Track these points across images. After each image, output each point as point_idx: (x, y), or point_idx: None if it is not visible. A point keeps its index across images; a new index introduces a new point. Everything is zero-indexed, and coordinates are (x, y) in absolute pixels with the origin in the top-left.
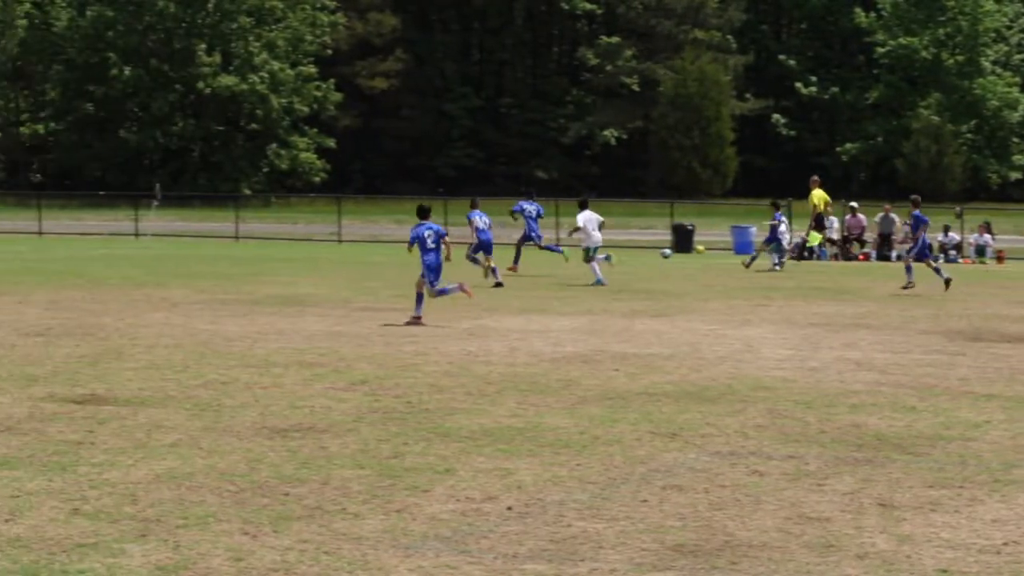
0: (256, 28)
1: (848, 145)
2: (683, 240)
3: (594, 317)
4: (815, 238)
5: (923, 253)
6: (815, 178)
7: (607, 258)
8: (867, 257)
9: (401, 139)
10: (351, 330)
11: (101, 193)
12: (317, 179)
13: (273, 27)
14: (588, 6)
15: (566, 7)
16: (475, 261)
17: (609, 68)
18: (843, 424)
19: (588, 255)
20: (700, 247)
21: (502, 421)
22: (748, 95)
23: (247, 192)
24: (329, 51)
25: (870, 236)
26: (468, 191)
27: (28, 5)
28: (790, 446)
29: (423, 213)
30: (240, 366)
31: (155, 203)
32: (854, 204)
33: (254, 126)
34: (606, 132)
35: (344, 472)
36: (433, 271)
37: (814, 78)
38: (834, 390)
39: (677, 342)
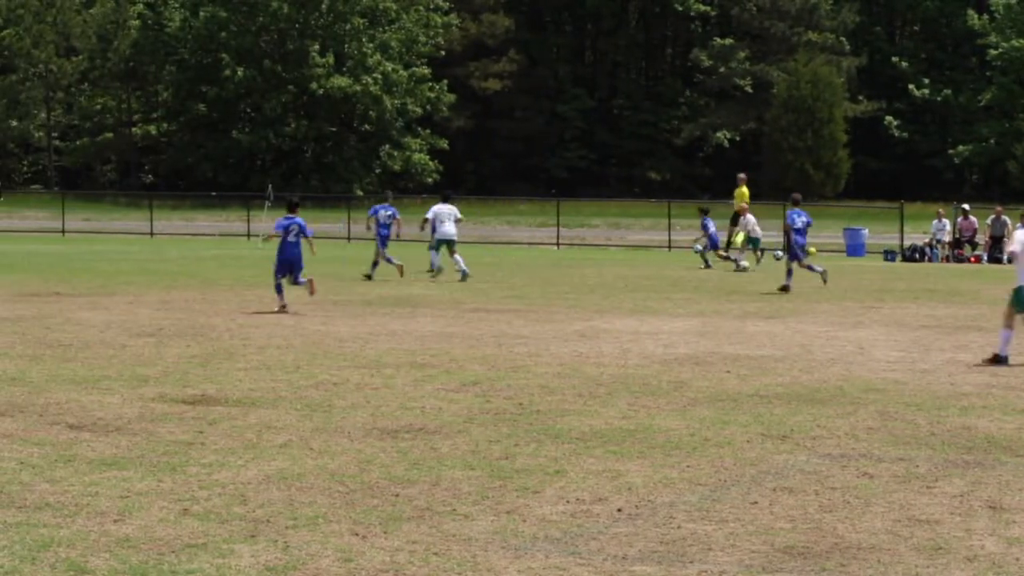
0: (369, 29)
1: (960, 147)
2: None
3: (706, 319)
4: (740, 236)
5: None
6: (742, 175)
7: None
8: (979, 259)
9: (514, 140)
10: (463, 331)
11: (213, 194)
12: (430, 180)
13: (386, 28)
14: (702, 8)
15: (680, 8)
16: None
17: (722, 70)
18: (953, 426)
19: (432, 245)
20: (812, 249)
21: (613, 423)
22: (861, 97)
23: (359, 193)
24: (442, 52)
25: (981, 238)
26: (582, 192)
27: (141, 6)
28: (900, 448)
29: (292, 207)
30: (351, 367)
31: (267, 204)
32: (966, 206)
33: (367, 127)
34: (719, 134)
35: (454, 473)
36: (289, 263)
37: (927, 80)
38: (944, 392)
39: (788, 344)
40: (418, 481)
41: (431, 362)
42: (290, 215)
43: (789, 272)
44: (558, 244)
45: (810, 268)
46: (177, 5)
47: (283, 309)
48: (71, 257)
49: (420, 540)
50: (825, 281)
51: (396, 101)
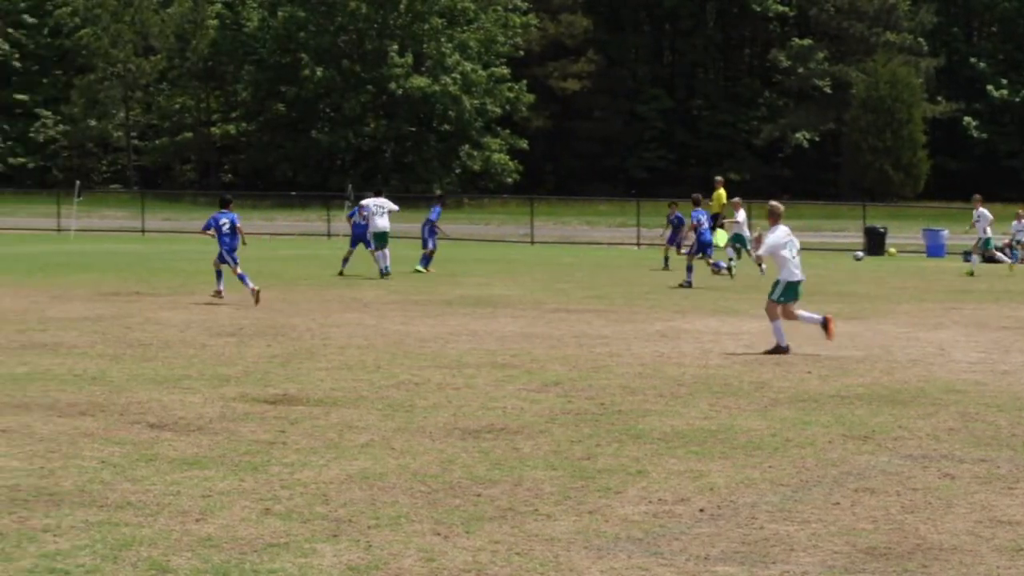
0: (448, 29)
1: None
2: (875, 242)
3: (786, 321)
4: (722, 236)
5: None
6: (719, 178)
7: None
8: None
9: (593, 140)
10: (544, 331)
11: (292, 193)
12: (509, 180)
13: (465, 28)
14: (780, 8)
15: (758, 9)
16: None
17: (801, 70)
18: None
19: (376, 242)
20: (892, 250)
21: (695, 423)
22: (939, 98)
23: (439, 193)
24: (521, 52)
25: None
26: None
27: (219, 6)
28: (981, 449)
29: (224, 203)
30: (432, 367)
31: (347, 203)
32: None
33: (446, 127)
34: (798, 134)
35: (536, 473)
36: (232, 253)
37: (1005, 81)
38: None
39: (869, 345)
40: (500, 481)
41: (512, 362)
42: (223, 210)
43: (690, 268)
44: (638, 244)
45: (715, 265)
46: (255, 5)
47: (219, 295)
48: (151, 256)
49: (502, 540)
50: (732, 275)
51: (475, 101)
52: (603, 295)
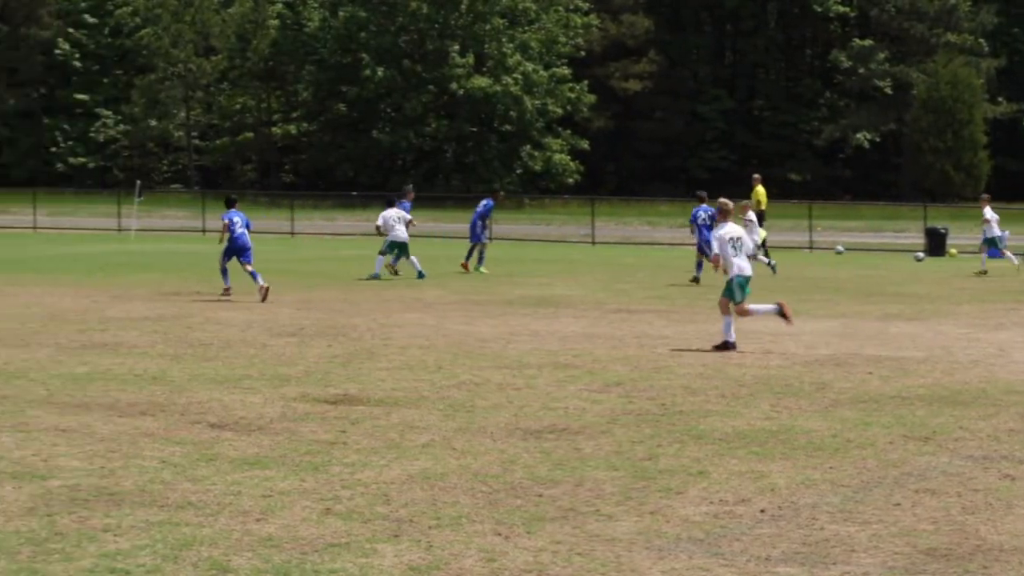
0: (509, 29)
1: None
2: (936, 243)
3: (847, 320)
4: (762, 234)
5: None
6: (757, 176)
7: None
8: None
9: (654, 141)
10: (605, 332)
11: (353, 193)
12: (571, 180)
13: (526, 28)
14: (841, 9)
15: (819, 9)
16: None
17: (862, 71)
18: None
19: (388, 251)
20: (953, 250)
21: (755, 423)
22: (1000, 98)
23: (501, 193)
24: (582, 52)
25: None
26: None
27: (280, 6)
28: None
29: (230, 203)
30: (493, 367)
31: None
32: None
33: (507, 127)
34: (859, 135)
35: (598, 473)
36: (243, 251)
37: None
38: None
39: (930, 345)
40: (561, 481)
41: (574, 362)
42: (231, 209)
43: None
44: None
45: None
46: (316, 5)
47: (227, 292)
48: (211, 256)
49: (563, 540)
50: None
51: (536, 101)
52: (664, 295)
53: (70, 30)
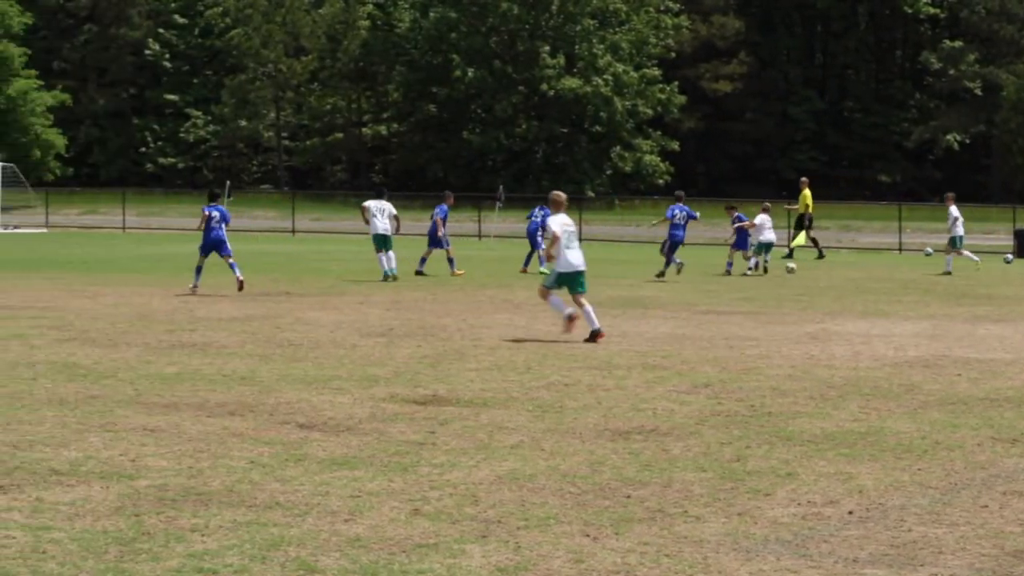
0: (600, 30)
1: None
2: None
3: (936, 322)
4: (801, 238)
5: None
6: (805, 179)
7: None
8: None
9: (744, 142)
10: (694, 333)
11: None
12: (661, 181)
13: (617, 29)
14: (931, 10)
15: (909, 11)
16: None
17: (952, 72)
18: None
19: (378, 245)
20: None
21: (844, 425)
22: None
23: (590, 194)
24: (673, 54)
25: None
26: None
27: (370, 6)
28: None
29: (213, 197)
30: (583, 368)
31: (498, 205)
32: None
33: (597, 128)
34: (949, 136)
35: (686, 475)
36: (219, 244)
37: None
38: None
39: (1019, 347)
40: (649, 483)
41: (662, 363)
42: (212, 203)
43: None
44: (789, 246)
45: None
46: (407, 6)
47: (194, 291)
48: (301, 257)
49: (651, 542)
50: (678, 271)
51: (627, 102)
52: (753, 297)
53: (160, 30)
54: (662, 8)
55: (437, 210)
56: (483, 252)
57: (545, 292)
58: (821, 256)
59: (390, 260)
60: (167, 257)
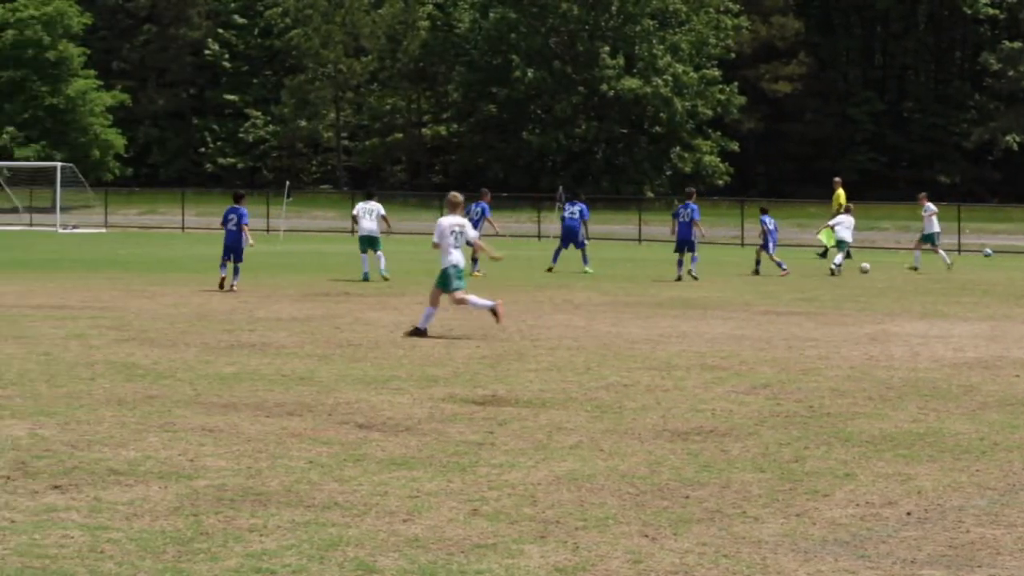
0: (659, 31)
1: None
2: None
3: (995, 323)
4: (830, 237)
5: None
6: (838, 179)
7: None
8: None
9: (804, 142)
10: (753, 333)
11: (503, 194)
12: (720, 182)
13: (676, 30)
14: (991, 11)
15: (968, 12)
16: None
17: (1011, 73)
18: None
19: (364, 246)
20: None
21: (903, 426)
22: None
23: (650, 195)
24: (732, 54)
25: None
26: (871, 195)
27: (430, 6)
28: None
29: (237, 198)
30: (642, 368)
31: (558, 205)
32: None
33: (657, 129)
34: (1008, 137)
35: (744, 475)
36: (229, 249)
37: None
38: None
39: None
40: (708, 483)
41: (721, 364)
42: (234, 205)
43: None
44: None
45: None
46: (467, 6)
47: (223, 284)
48: (360, 257)
49: (710, 542)
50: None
51: (686, 103)
52: (812, 297)
53: (220, 31)
54: (722, 9)
55: (479, 207)
56: (543, 252)
57: (458, 298)
58: (823, 256)
59: (379, 260)
60: None
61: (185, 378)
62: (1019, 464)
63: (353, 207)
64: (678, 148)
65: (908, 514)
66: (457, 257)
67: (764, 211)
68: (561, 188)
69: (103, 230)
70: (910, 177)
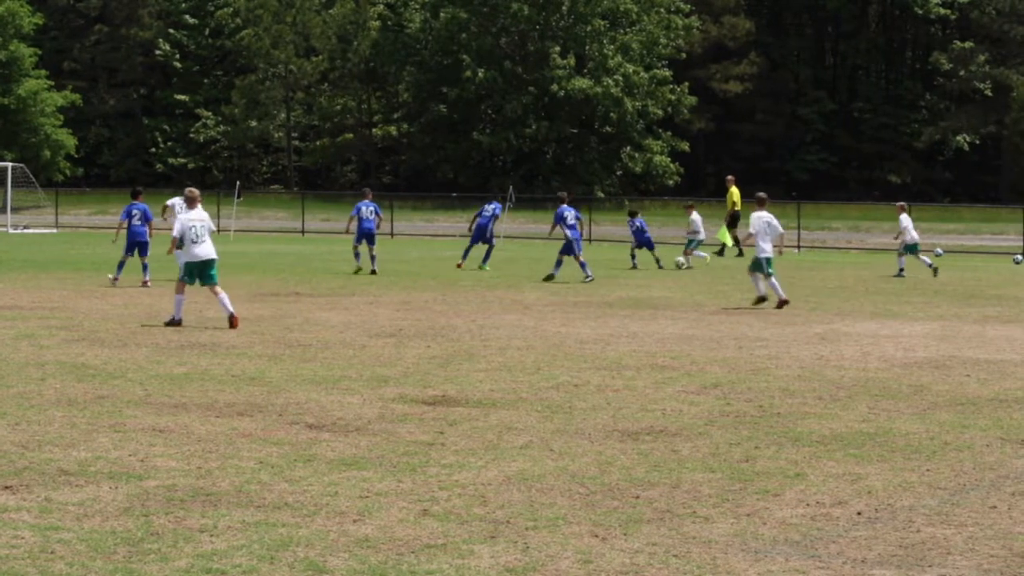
0: (610, 31)
1: None
2: None
3: (945, 323)
4: (726, 235)
5: None
6: (731, 177)
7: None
8: None
9: (755, 142)
10: (703, 333)
11: (453, 195)
12: (671, 182)
13: (627, 30)
14: (941, 11)
15: (919, 12)
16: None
17: (962, 73)
18: None
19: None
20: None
21: (853, 426)
22: None
23: (600, 195)
24: (683, 54)
25: None
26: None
27: (381, 7)
28: None
29: (135, 194)
30: (592, 368)
31: (510, 205)
32: None
33: (608, 129)
34: (959, 137)
35: (695, 475)
36: (141, 245)
37: None
38: None
39: None
40: (658, 483)
41: (672, 364)
42: (134, 201)
43: (559, 264)
44: (799, 247)
45: (582, 265)
46: (417, 6)
47: (114, 282)
48: (310, 257)
49: (660, 542)
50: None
51: (637, 103)
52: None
53: (170, 31)
54: (672, 9)
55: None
56: (494, 253)
57: (180, 285)
58: (740, 254)
59: (373, 257)
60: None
61: (135, 378)
62: (969, 464)
63: (302, 207)
64: (628, 148)
65: (858, 514)
66: (199, 252)
67: (633, 215)
68: (512, 188)
69: (54, 230)
70: (861, 177)
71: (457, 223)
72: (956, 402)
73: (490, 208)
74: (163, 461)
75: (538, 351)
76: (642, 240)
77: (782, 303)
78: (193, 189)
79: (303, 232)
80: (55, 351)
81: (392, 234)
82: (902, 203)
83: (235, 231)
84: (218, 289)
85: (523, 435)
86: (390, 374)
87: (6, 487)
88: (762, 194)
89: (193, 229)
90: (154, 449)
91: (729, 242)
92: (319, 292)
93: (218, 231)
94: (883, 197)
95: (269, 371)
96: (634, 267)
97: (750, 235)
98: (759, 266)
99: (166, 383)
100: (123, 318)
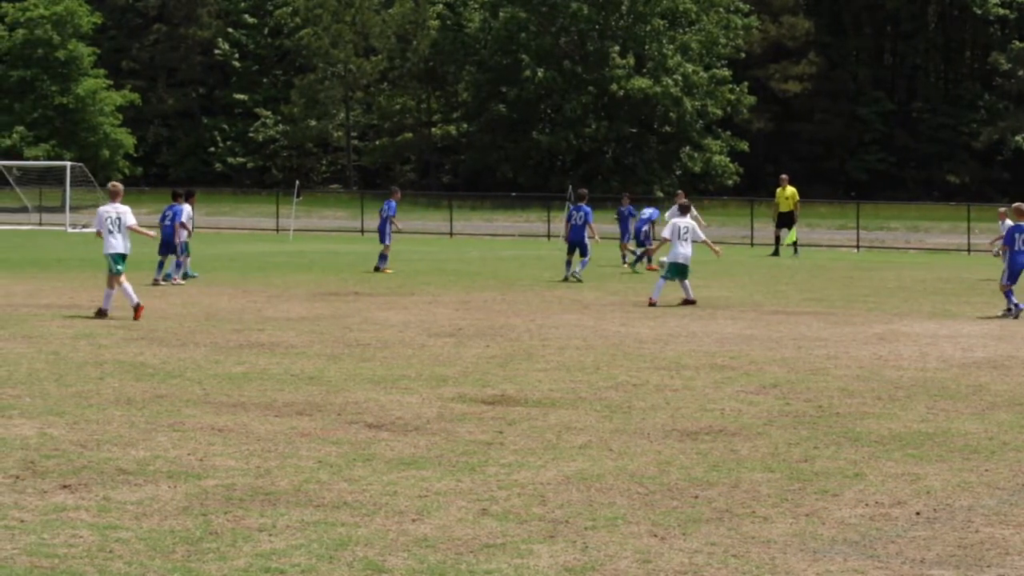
0: (669, 31)
1: None
2: None
3: (1004, 322)
4: (794, 235)
5: None
6: (785, 176)
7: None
8: None
9: (813, 142)
10: (762, 333)
11: (513, 194)
12: (730, 182)
13: (687, 30)
14: (1001, 11)
15: (978, 12)
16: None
17: (1021, 73)
18: None
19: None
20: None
21: (912, 426)
22: None
23: (659, 194)
24: (743, 54)
25: None
26: (880, 195)
27: (440, 6)
28: None
29: (175, 196)
30: (651, 368)
31: (568, 204)
32: None
33: (667, 128)
34: (1018, 137)
35: (754, 475)
36: (170, 246)
37: None
38: None
39: None
40: (717, 483)
41: (731, 364)
42: (172, 204)
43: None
44: (858, 247)
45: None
46: (476, 6)
47: (155, 283)
48: (370, 257)
49: (719, 542)
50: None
51: (696, 103)
52: (822, 297)
53: (229, 30)
54: (732, 8)
55: (386, 206)
56: (553, 252)
57: (118, 281)
58: (776, 254)
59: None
60: (236, 256)
61: (194, 377)
62: None
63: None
64: (687, 148)
65: (917, 514)
66: (117, 243)
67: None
68: (571, 187)
69: None
70: (919, 177)
71: (516, 223)
72: (1015, 402)
73: (579, 214)
74: (222, 460)
75: (597, 351)
76: (625, 228)
77: (688, 303)
78: (116, 184)
79: (362, 232)
80: (114, 350)
81: (451, 233)
82: (1003, 208)
83: (294, 231)
84: (123, 280)
85: (582, 435)
86: (449, 373)
87: (65, 486)
88: (685, 200)
89: (109, 220)
90: (213, 448)
91: (792, 239)
92: (378, 292)
93: (277, 231)
94: (941, 197)
95: (328, 371)
96: (638, 261)
97: (665, 239)
98: (680, 271)
99: (225, 382)
100: (181, 317)
